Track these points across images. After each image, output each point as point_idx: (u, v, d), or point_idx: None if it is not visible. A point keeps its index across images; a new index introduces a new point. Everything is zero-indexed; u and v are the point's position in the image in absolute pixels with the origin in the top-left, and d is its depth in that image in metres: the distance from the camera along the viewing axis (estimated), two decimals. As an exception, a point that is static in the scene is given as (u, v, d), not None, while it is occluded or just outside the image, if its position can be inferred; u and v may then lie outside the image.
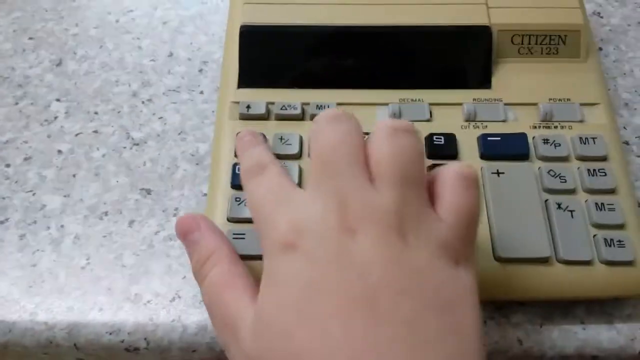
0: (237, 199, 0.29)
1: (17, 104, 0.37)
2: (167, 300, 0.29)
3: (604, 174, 0.29)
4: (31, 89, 0.38)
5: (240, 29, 0.33)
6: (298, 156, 0.31)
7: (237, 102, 0.32)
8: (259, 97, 0.32)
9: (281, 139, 0.31)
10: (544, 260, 0.27)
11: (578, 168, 0.30)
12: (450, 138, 0.31)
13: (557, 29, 0.33)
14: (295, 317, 0.20)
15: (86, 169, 0.34)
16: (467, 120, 0.32)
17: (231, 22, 0.35)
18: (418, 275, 0.20)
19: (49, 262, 0.31)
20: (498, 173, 0.29)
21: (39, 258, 0.31)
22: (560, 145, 0.30)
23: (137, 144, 0.35)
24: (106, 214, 0.32)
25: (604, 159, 0.30)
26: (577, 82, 0.33)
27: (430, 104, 0.32)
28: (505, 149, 0.30)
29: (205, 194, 0.33)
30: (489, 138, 0.31)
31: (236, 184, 0.30)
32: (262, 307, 0.21)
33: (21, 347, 0.29)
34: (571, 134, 0.31)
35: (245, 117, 0.32)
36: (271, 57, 0.33)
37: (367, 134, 0.24)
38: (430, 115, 0.32)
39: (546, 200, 0.29)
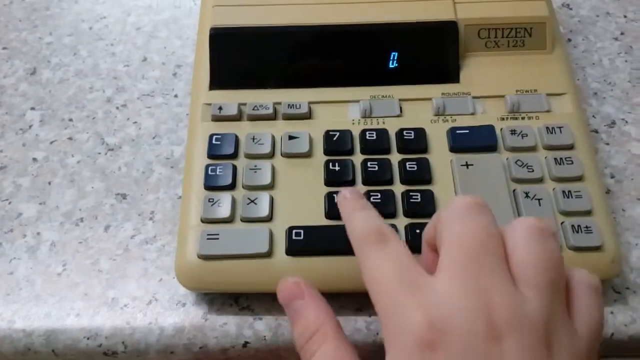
0: (210, 200, 0.29)
1: (-9, 113, 0.37)
2: (144, 303, 0.29)
3: (570, 162, 0.30)
4: (6, 99, 0.38)
5: (210, 31, 0.34)
6: (270, 155, 0.31)
7: (209, 104, 0.33)
8: (231, 99, 0.33)
9: (253, 139, 0.31)
10: (513, 249, 0.28)
11: (545, 157, 0.30)
12: (420, 132, 0.31)
13: (523, 22, 0.34)
14: None
15: (61, 176, 0.34)
16: (436, 115, 0.32)
17: (202, 24, 0.36)
18: None
19: (25, 270, 0.31)
20: (467, 165, 0.30)
21: (15, 266, 0.31)
22: (527, 135, 0.31)
23: (112, 149, 0.35)
24: (82, 220, 0.32)
25: (570, 147, 0.30)
26: (543, 73, 0.33)
27: (400, 100, 0.33)
28: (473, 141, 0.31)
29: (180, 197, 0.33)
30: (457, 131, 0.31)
31: (209, 185, 0.30)
32: None
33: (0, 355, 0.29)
34: (538, 124, 0.31)
35: (217, 119, 0.32)
36: (242, 58, 0.34)
37: None
38: (401, 111, 0.32)
39: (514, 190, 0.29)
